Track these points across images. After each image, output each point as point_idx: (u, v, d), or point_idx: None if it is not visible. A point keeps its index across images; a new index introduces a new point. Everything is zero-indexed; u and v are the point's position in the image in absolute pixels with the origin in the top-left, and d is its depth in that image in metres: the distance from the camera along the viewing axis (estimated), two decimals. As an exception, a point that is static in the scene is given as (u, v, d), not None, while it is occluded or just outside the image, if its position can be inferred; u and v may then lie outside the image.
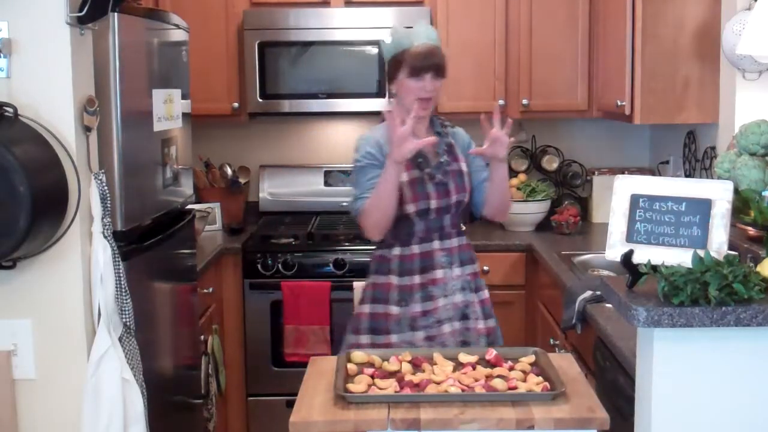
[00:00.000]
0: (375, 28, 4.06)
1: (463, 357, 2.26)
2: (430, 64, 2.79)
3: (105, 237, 2.24)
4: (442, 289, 2.87)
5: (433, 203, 2.84)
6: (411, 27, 2.88)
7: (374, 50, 4.11)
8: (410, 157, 2.72)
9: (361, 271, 3.54)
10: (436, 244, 2.88)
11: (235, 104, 4.21)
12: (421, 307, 2.84)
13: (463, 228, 3.02)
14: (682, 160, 3.91)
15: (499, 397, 2.01)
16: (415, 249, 2.87)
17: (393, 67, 2.86)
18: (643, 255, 1.88)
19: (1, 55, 2.11)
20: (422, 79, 2.79)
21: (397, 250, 2.88)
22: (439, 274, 2.87)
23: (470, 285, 2.93)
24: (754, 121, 2.34)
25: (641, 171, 4.45)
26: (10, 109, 2.06)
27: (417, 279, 2.85)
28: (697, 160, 3.71)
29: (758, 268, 1.88)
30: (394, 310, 2.83)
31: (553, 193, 4.38)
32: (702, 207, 1.87)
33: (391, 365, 2.21)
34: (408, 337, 2.81)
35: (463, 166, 2.94)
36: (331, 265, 3.93)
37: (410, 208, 2.82)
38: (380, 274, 2.90)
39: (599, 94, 4.12)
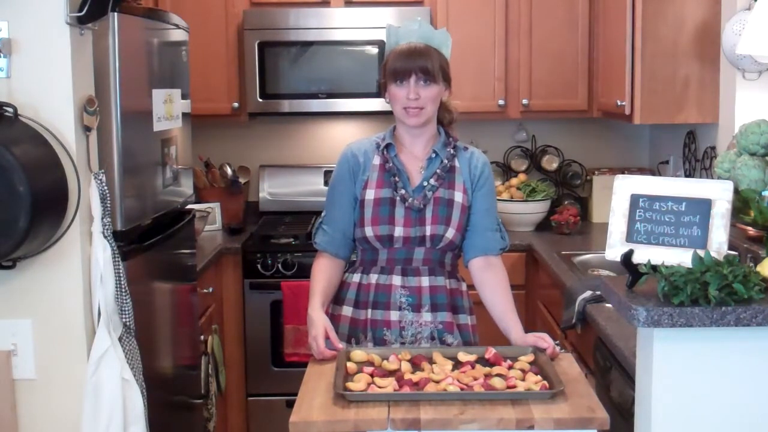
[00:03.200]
0: (375, 28, 4.06)
1: (462, 356, 2.26)
2: (412, 66, 2.42)
3: (105, 237, 2.23)
4: (396, 334, 2.49)
5: (399, 231, 2.47)
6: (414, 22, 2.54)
7: (374, 50, 4.11)
8: (383, 174, 2.51)
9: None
10: (396, 279, 2.50)
11: (235, 104, 4.21)
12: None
13: (449, 268, 2.56)
14: (682, 160, 3.91)
15: (499, 396, 2.01)
16: (373, 279, 2.52)
17: (382, 72, 2.52)
18: (643, 255, 1.88)
19: (1, 55, 2.10)
20: (406, 84, 2.43)
21: (356, 277, 2.55)
22: (393, 315, 2.50)
23: (448, 336, 2.51)
24: (754, 121, 2.34)
25: (641, 171, 4.45)
26: (10, 109, 2.06)
27: (369, 314, 2.51)
28: (697, 160, 3.71)
29: (758, 268, 1.88)
30: (341, 346, 2.36)
31: (553, 193, 4.38)
32: (702, 207, 1.87)
33: (391, 364, 2.21)
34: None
35: (457, 196, 2.51)
36: (331, 265, 3.92)
37: (368, 232, 2.49)
38: (336, 304, 2.58)
39: (599, 94, 4.13)
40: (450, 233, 2.49)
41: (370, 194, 2.50)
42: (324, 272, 2.55)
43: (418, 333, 2.50)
